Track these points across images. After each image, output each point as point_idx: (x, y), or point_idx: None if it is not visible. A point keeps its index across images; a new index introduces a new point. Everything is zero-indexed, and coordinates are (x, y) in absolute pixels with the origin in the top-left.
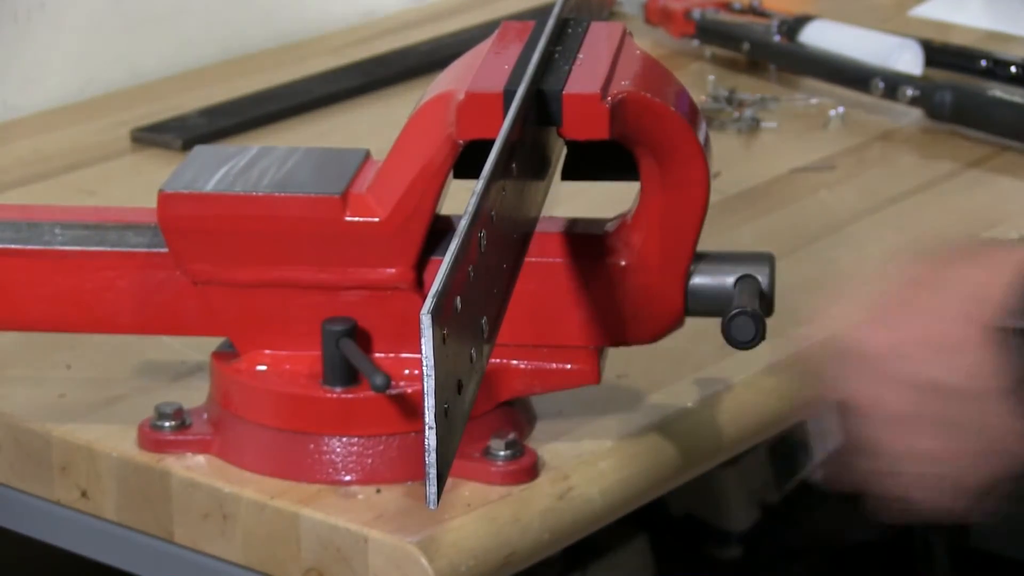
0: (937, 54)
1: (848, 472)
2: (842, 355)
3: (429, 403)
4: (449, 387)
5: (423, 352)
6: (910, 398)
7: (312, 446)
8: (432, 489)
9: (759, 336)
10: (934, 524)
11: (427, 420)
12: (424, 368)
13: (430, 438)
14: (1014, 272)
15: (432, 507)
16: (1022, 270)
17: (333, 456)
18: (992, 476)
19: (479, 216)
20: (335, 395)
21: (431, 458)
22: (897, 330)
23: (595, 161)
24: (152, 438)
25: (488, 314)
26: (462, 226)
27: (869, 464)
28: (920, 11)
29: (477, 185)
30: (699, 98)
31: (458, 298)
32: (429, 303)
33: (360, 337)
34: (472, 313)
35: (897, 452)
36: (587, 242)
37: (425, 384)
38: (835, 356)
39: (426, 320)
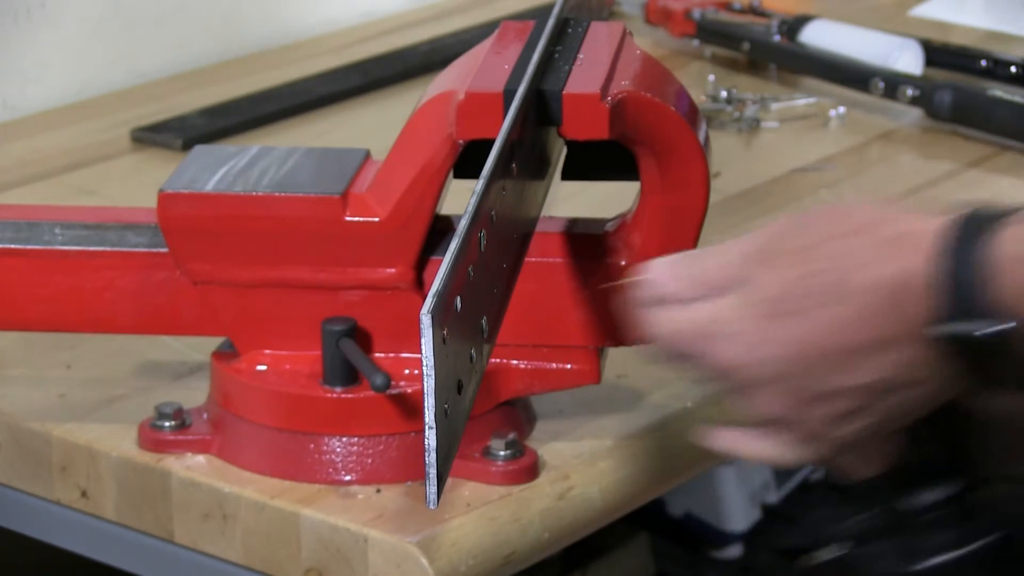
0: (937, 54)
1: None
2: (737, 381)
3: (429, 403)
4: (449, 387)
5: (423, 352)
6: (827, 404)
7: (312, 446)
8: (432, 489)
9: None
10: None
11: (427, 420)
12: (424, 368)
13: (430, 438)
14: (929, 266)
15: (432, 507)
16: (937, 263)
17: (333, 456)
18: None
19: (479, 216)
20: (335, 395)
21: (431, 458)
22: (799, 347)
23: (595, 161)
24: (152, 438)
25: (488, 314)
26: (462, 226)
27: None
28: (920, 11)
29: (477, 185)
30: (699, 98)
31: (458, 298)
32: (429, 303)
33: (360, 337)
34: (472, 313)
35: (818, 445)
36: (587, 242)
37: (425, 384)
38: (728, 381)
39: (426, 320)
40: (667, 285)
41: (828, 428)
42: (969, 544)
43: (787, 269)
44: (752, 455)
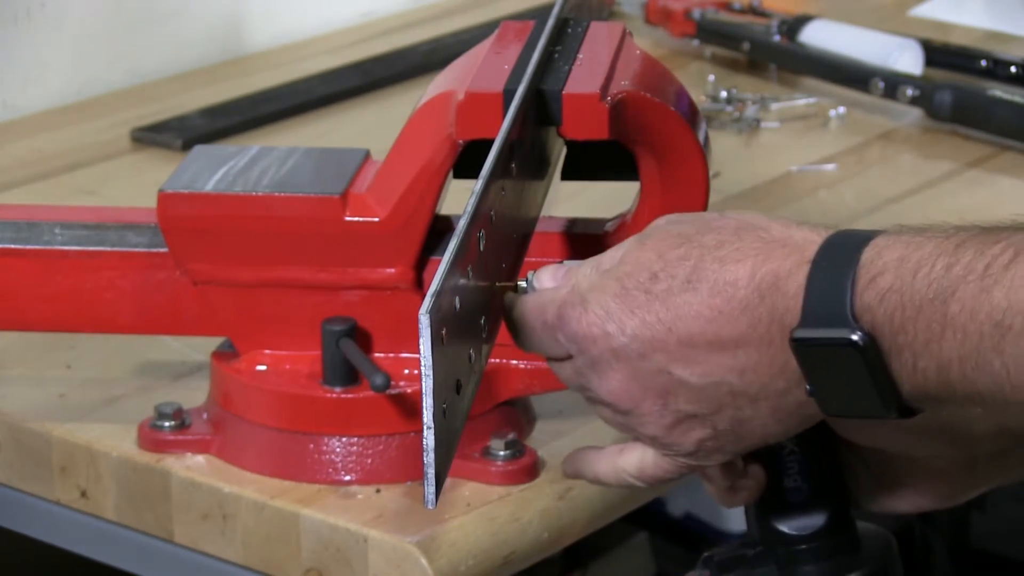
0: (937, 54)
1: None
2: (590, 351)
3: (427, 403)
4: (448, 387)
5: (422, 352)
6: (680, 400)
7: (312, 446)
8: (430, 489)
9: None
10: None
11: (425, 420)
12: (423, 368)
13: (428, 438)
14: (803, 265)
15: (430, 507)
16: (812, 267)
17: (333, 456)
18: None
19: (479, 216)
20: (335, 395)
21: (429, 458)
22: (664, 327)
23: (595, 161)
24: (152, 438)
25: (487, 314)
26: (461, 226)
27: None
28: (920, 11)
29: (477, 185)
30: (699, 98)
31: (457, 298)
32: (428, 303)
33: (360, 337)
34: (471, 313)
35: (665, 442)
36: (587, 242)
37: (424, 384)
38: (578, 349)
39: (424, 320)
40: (544, 283)
41: (671, 432)
42: None
43: (662, 250)
44: (602, 473)
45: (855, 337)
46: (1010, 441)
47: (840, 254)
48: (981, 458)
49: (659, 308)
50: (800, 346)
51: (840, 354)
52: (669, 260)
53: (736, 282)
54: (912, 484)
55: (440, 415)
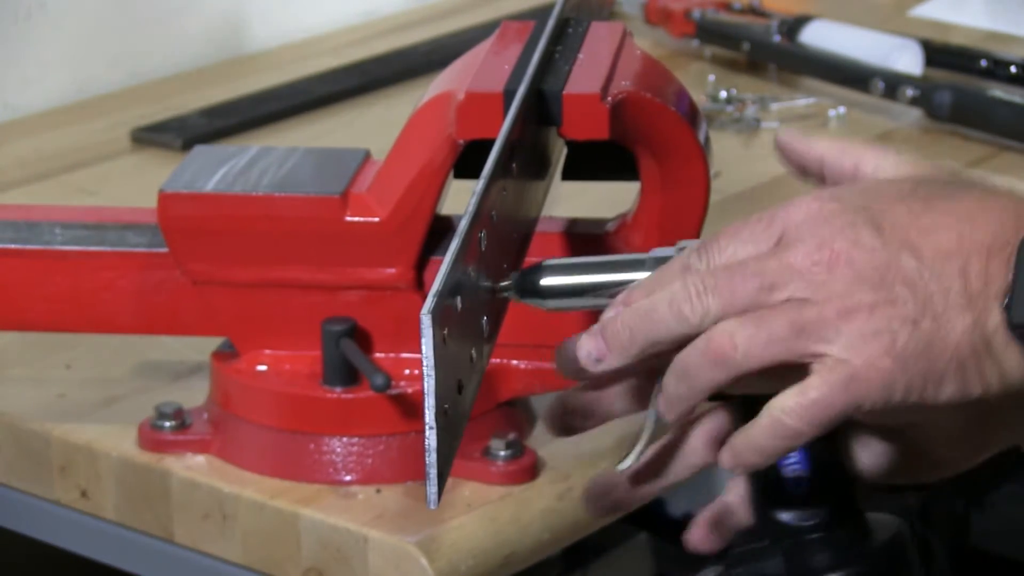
0: (937, 54)
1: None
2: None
3: (429, 403)
4: (449, 387)
5: (423, 352)
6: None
7: (312, 446)
8: (432, 489)
9: None
10: (934, 523)
11: (427, 420)
12: (424, 368)
13: (430, 438)
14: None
15: (432, 507)
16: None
17: (333, 456)
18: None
19: (479, 216)
20: (335, 395)
21: (431, 458)
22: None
23: (595, 161)
24: (152, 438)
25: (488, 314)
26: (462, 226)
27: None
28: (920, 11)
29: (477, 185)
30: (699, 98)
31: (458, 298)
32: (429, 303)
33: (360, 337)
34: (472, 313)
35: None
36: (587, 242)
37: (425, 384)
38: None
39: (426, 320)
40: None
41: (841, 318)
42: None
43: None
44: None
45: None
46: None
47: None
48: (994, 413)
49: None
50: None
51: None
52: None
53: (975, 195)
54: (930, 451)
55: (442, 415)
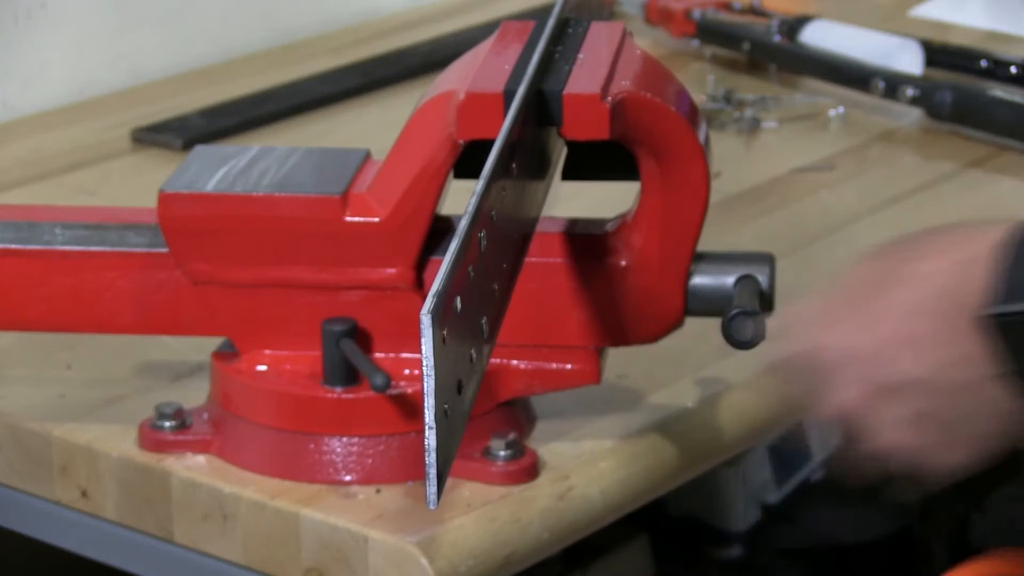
0: (937, 54)
1: (850, 469)
2: (817, 365)
3: (429, 403)
4: (449, 387)
5: (423, 352)
6: (895, 400)
7: (312, 446)
8: (432, 489)
9: (759, 336)
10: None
11: (427, 420)
12: (424, 368)
13: (430, 438)
14: (990, 255)
15: (432, 507)
16: (998, 252)
17: (333, 456)
18: (985, 456)
19: (479, 216)
20: (335, 395)
21: (431, 458)
22: (872, 332)
23: (595, 161)
24: (152, 438)
25: (488, 314)
26: (462, 226)
27: (866, 461)
28: (920, 11)
29: (477, 185)
30: (699, 98)
31: (458, 298)
32: (429, 303)
33: (360, 337)
34: (472, 313)
35: (889, 451)
36: (587, 242)
37: (425, 384)
38: (810, 367)
39: (426, 320)
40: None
41: (896, 429)
42: None
43: (870, 267)
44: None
45: None
46: None
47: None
48: None
49: (872, 310)
50: (993, 326)
51: None
52: (876, 271)
53: (930, 272)
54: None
55: (442, 415)
